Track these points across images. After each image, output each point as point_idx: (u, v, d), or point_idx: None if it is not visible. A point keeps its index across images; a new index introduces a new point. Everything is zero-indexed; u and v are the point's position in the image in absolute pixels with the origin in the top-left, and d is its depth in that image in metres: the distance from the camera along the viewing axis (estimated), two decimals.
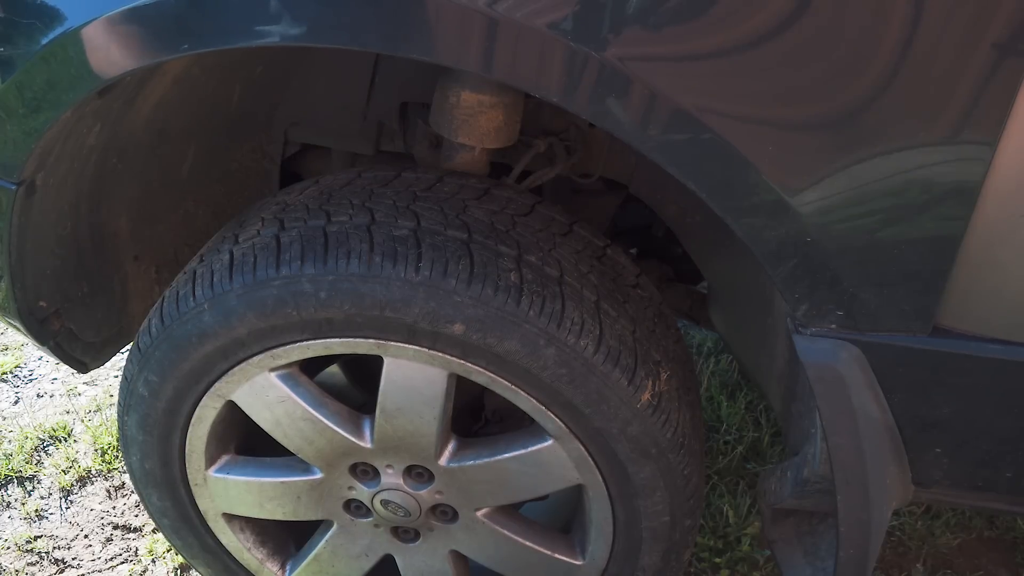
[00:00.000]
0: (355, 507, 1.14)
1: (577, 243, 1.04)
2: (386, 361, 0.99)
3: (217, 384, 1.03)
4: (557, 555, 1.14)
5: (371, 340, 0.96)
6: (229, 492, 1.14)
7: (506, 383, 0.97)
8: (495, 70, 0.79)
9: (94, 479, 1.74)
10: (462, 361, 0.96)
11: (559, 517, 1.28)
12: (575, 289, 0.97)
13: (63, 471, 1.74)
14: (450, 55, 0.79)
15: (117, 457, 1.79)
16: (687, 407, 1.06)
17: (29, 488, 1.71)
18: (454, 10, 0.76)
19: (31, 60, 0.86)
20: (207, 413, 1.06)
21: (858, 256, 0.83)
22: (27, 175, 0.93)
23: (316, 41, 0.80)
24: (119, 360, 2.09)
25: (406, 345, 0.96)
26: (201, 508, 1.17)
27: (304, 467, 1.11)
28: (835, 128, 0.77)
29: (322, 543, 1.19)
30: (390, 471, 1.08)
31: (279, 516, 1.16)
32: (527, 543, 1.14)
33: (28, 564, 1.54)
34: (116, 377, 2.04)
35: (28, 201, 0.95)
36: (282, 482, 1.12)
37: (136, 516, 1.67)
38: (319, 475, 1.10)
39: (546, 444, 1.02)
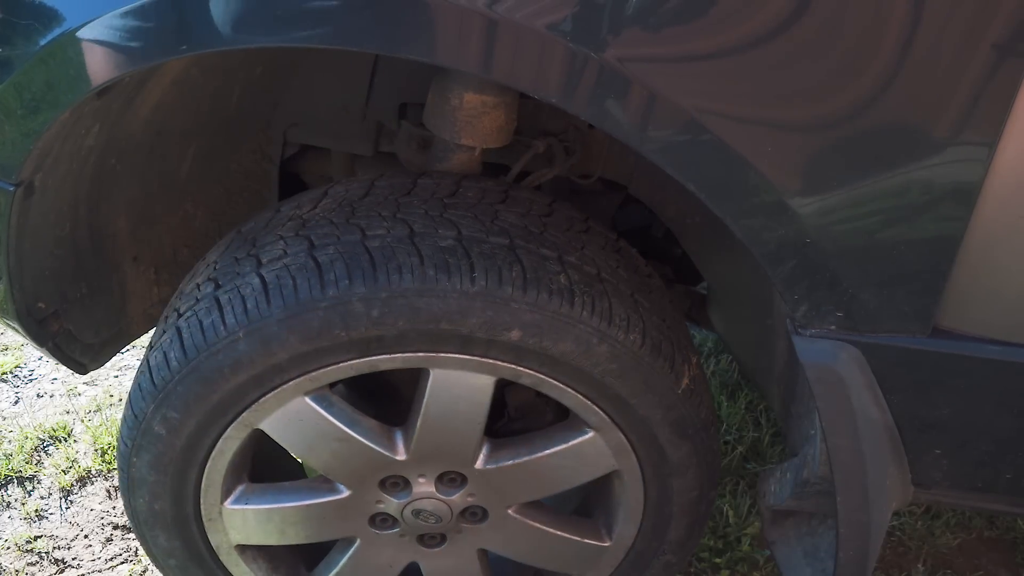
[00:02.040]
0: (380, 520, 1.12)
1: (599, 239, 1.05)
2: (433, 373, 0.98)
3: (245, 414, 0.99)
4: (585, 540, 1.16)
5: (420, 354, 0.95)
6: (247, 523, 1.10)
7: (555, 382, 0.98)
8: (494, 71, 0.79)
9: (94, 479, 1.74)
10: (513, 366, 0.96)
11: (568, 501, 1.28)
12: (613, 285, 0.99)
13: (63, 471, 1.74)
14: (449, 56, 0.79)
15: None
16: (708, 386, 1.10)
17: (29, 488, 1.71)
18: (453, 11, 0.76)
19: (30, 61, 0.86)
20: (230, 445, 1.02)
21: (857, 257, 0.83)
22: (25, 176, 0.92)
23: (317, 42, 0.79)
24: (119, 360, 2.09)
25: (458, 355, 0.95)
26: (213, 543, 1.12)
27: (329, 487, 1.08)
28: (834, 129, 0.77)
29: (344, 561, 1.16)
30: (422, 480, 1.07)
31: (300, 540, 1.13)
32: (556, 532, 1.15)
33: (28, 564, 1.54)
34: (116, 377, 2.04)
35: (27, 202, 0.95)
36: (306, 505, 1.09)
37: None
38: (346, 493, 1.08)
39: (587, 436, 1.04)
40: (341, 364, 0.95)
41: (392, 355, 0.95)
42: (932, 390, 0.90)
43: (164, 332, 1.00)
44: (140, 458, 1.02)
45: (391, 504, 1.09)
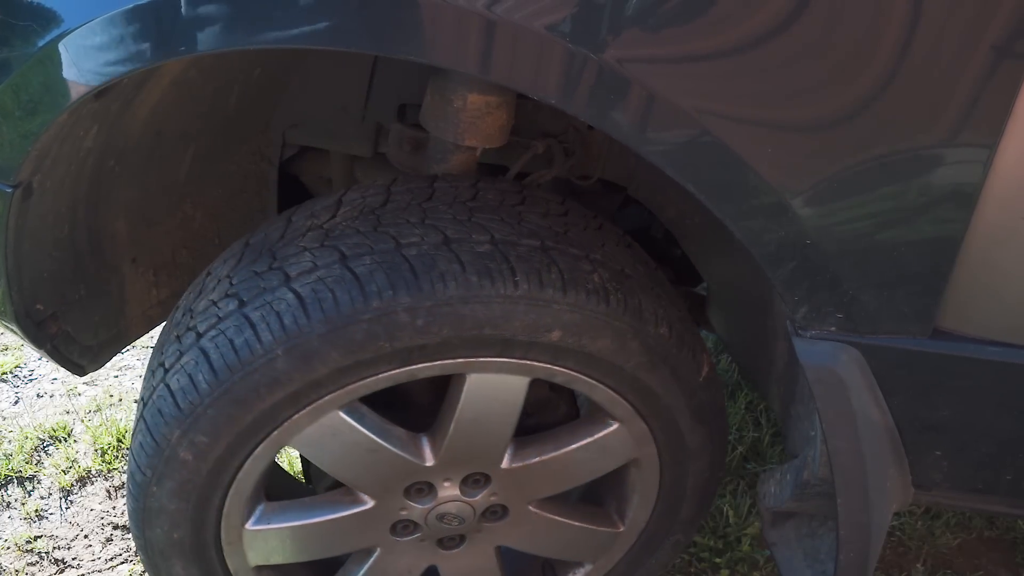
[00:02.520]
0: (402, 527, 1.10)
1: (613, 237, 1.06)
2: (469, 377, 0.97)
3: (276, 432, 0.96)
4: (600, 528, 1.19)
5: (460, 360, 0.95)
6: (269, 543, 1.07)
7: (587, 379, 1.00)
8: (493, 72, 0.79)
9: (94, 479, 1.74)
10: (549, 366, 0.97)
11: (572, 489, 1.30)
12: (637, 280, 1.01)
13: (63, 471, 1.74)
14: (448, 57, 0.79)
15: (117, 457, 1.79)
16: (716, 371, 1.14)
17: (29, 488, 1.71)
18: (452, 12, 0.75)
19: (27, 63, 0.86)
20: (257, 466, 0.99)
21: (858, 258, 0.83)
22: (23, 177, 0.92)
23: (315, 44, 0.79)
24: (119, 360, 2.09)
25: (496, 359, 0.95)
26: (231, 567, 1.08)
27: (352, 499, 1.06)
28: (834, 130, 0.77)
29: (362, 572, 1.14)
30: (447, 484, 1.06)
31: (321, 556, 1.11)
32: (571, 522, 1.17)
33: (28, 564, 1.54)
34: (116, 377, 2.04)
35: (25, 204, 0.94)
36: (331, 519, 1.06)
37: None
38: (370, 504, 1.06)
39: (611, 429, 1.06)
40: (380, 376, 0.93)
41: (432, 363, 0.94)
42: (932, 392, 0.90)
43: (183, 354, 0.95)
44: (161, 487, 0.98)
45: (415, 510, 1.08)
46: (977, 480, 0.97)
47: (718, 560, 1.58)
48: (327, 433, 0.98)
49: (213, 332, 0.93)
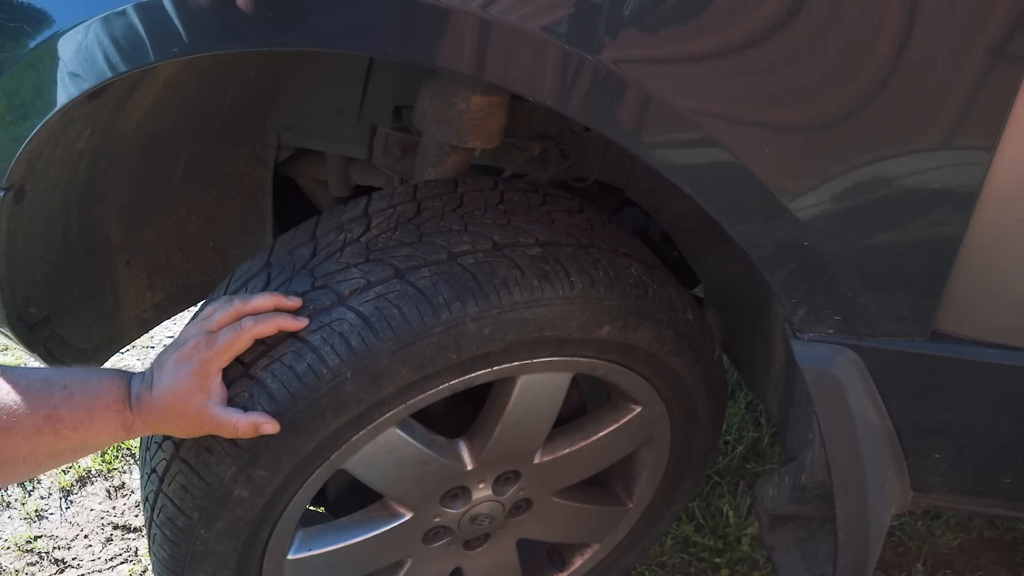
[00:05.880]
0: (433, 534, 1.09)
1: (623, 232, 1.07)
2: (521, 379, 0.98)
3: (334, 456, 0.92)
4: (612, 507, 1.24)
5: (516, 363, 0.95)
6: (305, 570, 1.04)
7: (623, 368, 1.03)
8: (488, 73, 0.78)
9: (94, 479, 1.74)
10: (593, 360, 1.00)
11: None
12: (663, 270, 1.04)
13: (63, 471, 1.74)
14: (442, 58, 0.78)
15: (117, 457, 1.79)
16: None
17: (29, 488, 1.72)
18: (447, 13, 0.75)
19: (18, 64, 0.85)
20: (309, 493, 0.95)
21: (856, 260, 0.82)
22: (15, 180, 0.91)
23: (314, 45, 0.78)
24: (119, 360, 2.09)
25: (549, 359, 0.96)
26: None
27: (389, 513, 1.05)
28: (833, 132, 0.76)
29: None
30: (481, 486, 1.06)
31: (357, 575, 1.10)
32: (587, 506, 1.21)
33: (28, 564, 1.55)
34: None
35: (17, 206, 0.94)
36: (370, 537, 1.05)
37: (136, 516, 1.67)
38: (407, 516, 1.05)
39: (635, 413, 1.10)
40: (441, 387, 0.93)
41: (491, 369, 0.94)
42: (931, 394, 0.90)
43: (227, 387, 0.87)
44: (210, 529, 0.93)
45: (449, 516, 1.08)
46: (976, 483, 0.97)
47: (718, 560, 1.58)
48: (382, 450, 0.96)
49: (264, 360, 0.86)
